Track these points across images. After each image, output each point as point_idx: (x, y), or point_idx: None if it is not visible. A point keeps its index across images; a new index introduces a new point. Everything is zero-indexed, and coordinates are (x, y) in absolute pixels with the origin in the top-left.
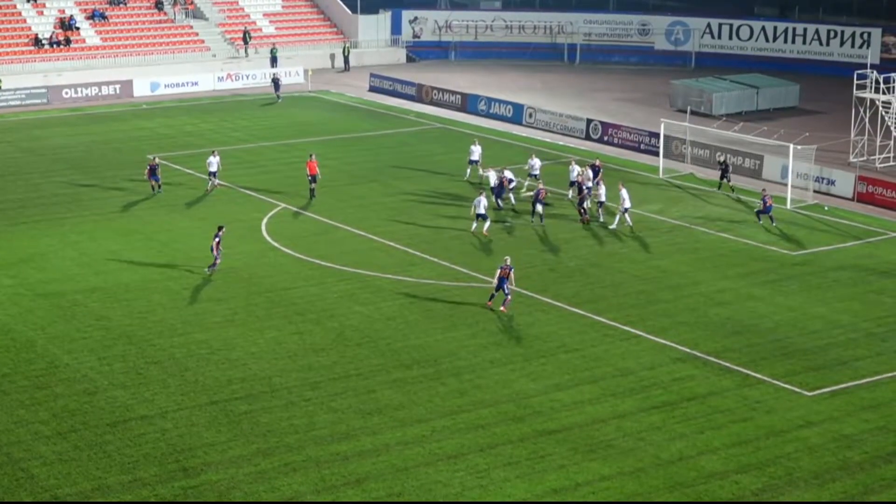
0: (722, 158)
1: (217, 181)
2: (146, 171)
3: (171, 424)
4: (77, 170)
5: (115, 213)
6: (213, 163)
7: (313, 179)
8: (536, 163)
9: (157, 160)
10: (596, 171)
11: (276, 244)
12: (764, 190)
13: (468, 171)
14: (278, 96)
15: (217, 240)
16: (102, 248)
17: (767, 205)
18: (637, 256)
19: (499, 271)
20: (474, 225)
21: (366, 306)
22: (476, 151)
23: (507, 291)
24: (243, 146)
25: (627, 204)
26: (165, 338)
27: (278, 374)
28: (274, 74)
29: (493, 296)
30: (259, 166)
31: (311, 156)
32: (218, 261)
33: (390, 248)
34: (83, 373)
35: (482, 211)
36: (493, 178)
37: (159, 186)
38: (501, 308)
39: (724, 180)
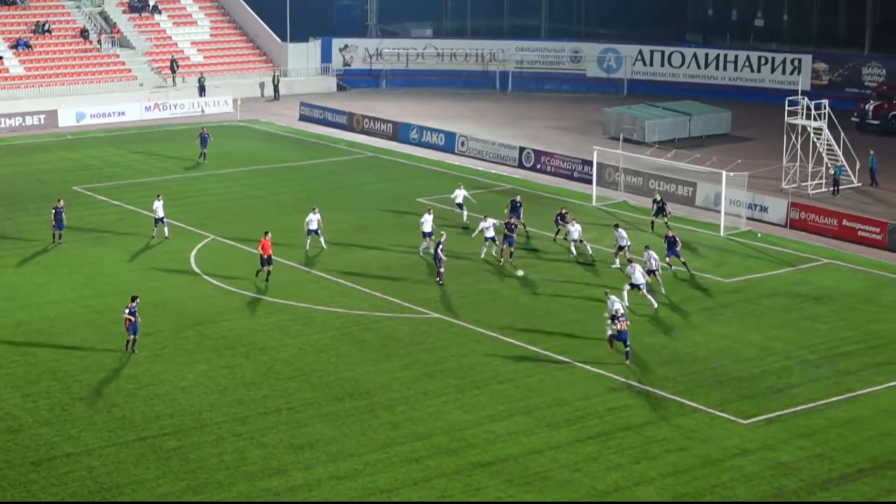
0: (658, 197)
1: (166, 230)
2: (52, 215)
3: (98, 462)
4: (0, 202)
5: (39, 245)
6: (159, 208)
7: (268, 261)
8: (461, 193)
9: (62, 203)
10: (516, 206)
11: (205, 276)
12: (666, 218)
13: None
14: (203, 155)
15: (128, 311)
16: (27, 281)
17: (673, 246)
18: (571, 285)
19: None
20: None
21: (297, 339)
22: (460, 195)
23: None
24: (171, 177)
25: (623, 242)
26: (92, 373)
27: (208, 409)
28: (202, 130)
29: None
30: (187, 197)
31: (266, 234)
32: (133, 336)
33: (321, 279)
34: (6, 410)
35: (492, 234)
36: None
37: (60, 236)
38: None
39: (662, 216)
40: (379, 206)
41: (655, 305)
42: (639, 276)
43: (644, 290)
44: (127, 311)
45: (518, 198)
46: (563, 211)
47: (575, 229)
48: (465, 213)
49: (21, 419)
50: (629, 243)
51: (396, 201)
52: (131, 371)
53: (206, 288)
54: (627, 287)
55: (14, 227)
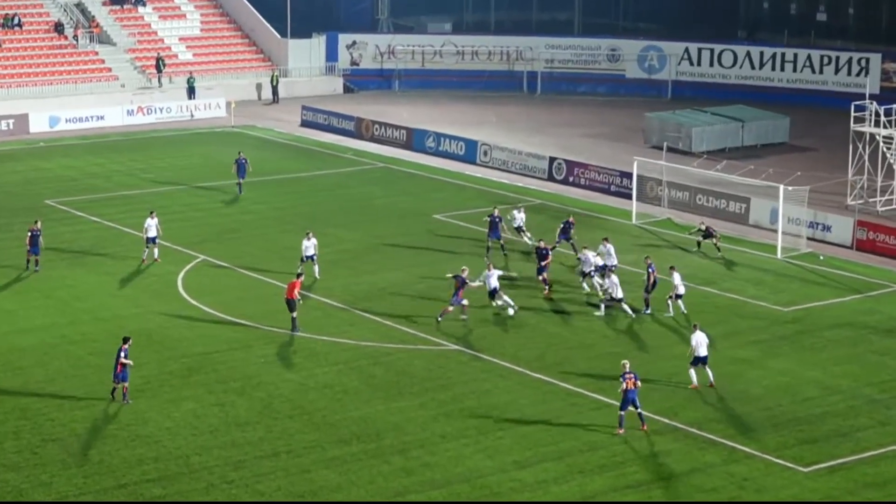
0: (704, 226)
1: (156, 252)
2: (27, 239)
3: None
4: None
5: (8, 267)
6: (151, 226)
7: (291, 306)
8: (521, 216)
9: (39, 225)
10: (567, 228)
11: (193, 302)
12: (648, 257)
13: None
14: (239, 185)
15: (122, 355)
16: None
17: (651, 282)
18: (611, 313)
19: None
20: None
21: (298, 373)
22: (519, 217)
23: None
24: (156, 189)
25: (681, 290)
26: (66, 411)
27: (197, 453)
28: (240, 156)
29: None
30: (174, 213)
31: (298, 275)
32: (122, 384)
33: (326, 306)
34: None
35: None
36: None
37: (36, 262)
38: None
39: (711, 240)
40: (390, 223)
41: (633, 316)
42: (619, 291)
43: (624, 304)
44: (122, 354)
45: (571, 218)
46: (571, 220)
47: (520, 217)
48: (527, 236)
49: None
50: (615, 263)
51: (410, 218)
52: (111, 409)
53: (195, 315)
54: (669, 297)
55: None
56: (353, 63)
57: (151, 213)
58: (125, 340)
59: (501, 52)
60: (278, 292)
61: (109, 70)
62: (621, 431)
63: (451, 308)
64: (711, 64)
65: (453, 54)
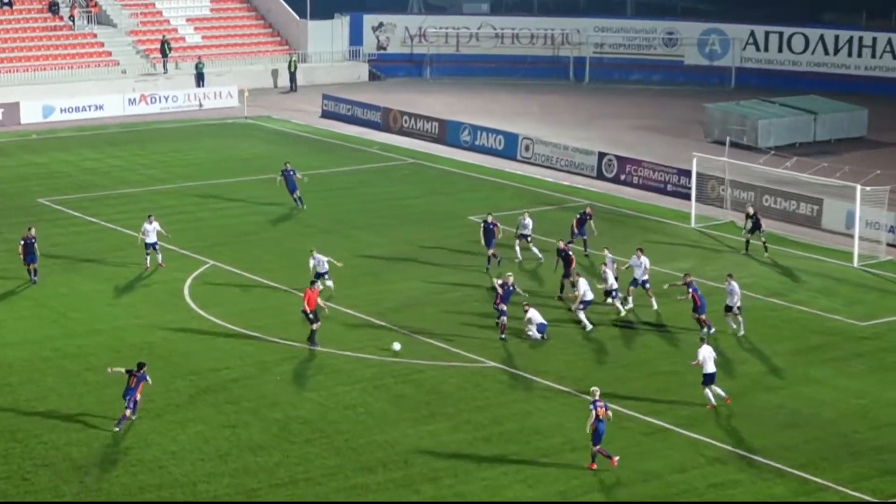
0: (751, 211)
1: (160, 257)
2: (20, 248)
3: None
4: None
5: None
6: (150, 231)
7: (314, 317)
8: (529, 222)
9: (33, 231)
10: (583, 220)
11: (202, 312)
12: (687, 274)
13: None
14: (298, 199)
15: (135, 380)
16: None
17: (697, 303)
18: (665, 328)
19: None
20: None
21: (317, 392)
22: (528, 225)
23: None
24: (160, 187)
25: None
26: (59, 433)
27: (205, 480)
28: (286, 166)
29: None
30: (181, 213)
31: (312, 284)
32: (132, 415)
33: (348, 318)
34: None
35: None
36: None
37: (35, 272)
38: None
39: (757, 232)
40: (421, 226)
41: (623, 312)
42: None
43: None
44: (135, 379)
45: (588, 209)
46: (588, 212)
47: (527, 225)
48: (536, 249)
49: None
50: (646, 278)
51: (442, 220)
52: (109, 431)
53: (203, 327)
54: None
55: None
56: (380, 47)
57: (149, 216)
58: (139, 367)
59: (545, 35)
60: (295, 302)
61: (109, 54)
62: (616, 461)
63: (505, 319)
64: (780, 49)
65: (491, 38)
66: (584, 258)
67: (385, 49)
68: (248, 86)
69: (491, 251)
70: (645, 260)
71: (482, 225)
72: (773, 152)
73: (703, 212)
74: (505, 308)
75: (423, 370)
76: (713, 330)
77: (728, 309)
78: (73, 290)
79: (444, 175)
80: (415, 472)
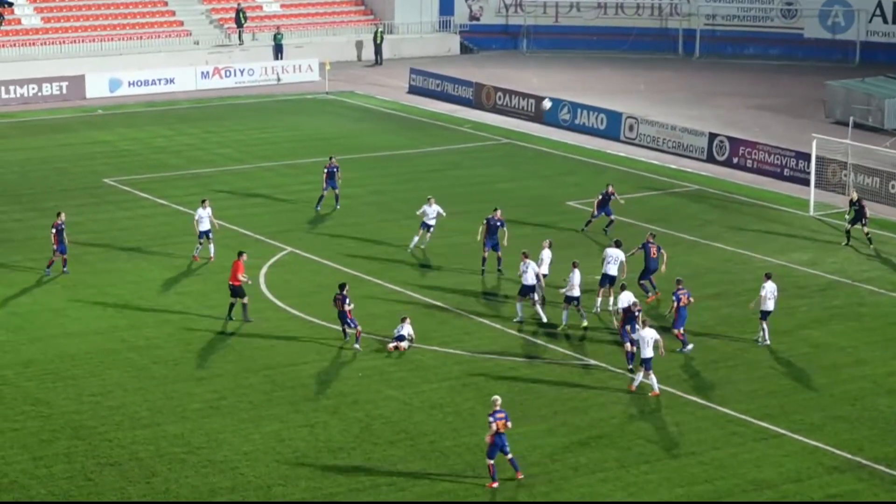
0: (855, 197)
1: (212, 249)
2: (52, 234)
3: None
4: (6, 199)
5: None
6: (204, 218)
7: (235, 291)
8: (433, 210)
9: (63, 218)
10: (606, 200)
11: (278, 303)
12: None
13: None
14: (336, 197)
15: (347, 301)
16: (40, 305)
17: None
18: (778, 325)
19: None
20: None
21: (401, 390)
22: (432, 212)
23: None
24: (235, 168)
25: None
26: (125, 430)
27: (280, 483)
28: (331, 162)
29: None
30: (256, 196)
31: (240, 254)
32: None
33: (435, 310)
34: (13, 478)
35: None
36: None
37: (64, 262)
38: None
39: (860, 224)
40: (516, 210)
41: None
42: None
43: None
44: (346, 301)
45: (610, 188)
46: (610, 191)
47: (544, 258)
48: (427, 236)
49: (31, 490)
50: (616, 308)
51: (540, 205)
52: (178, 429)
53: (279, 318)
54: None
55: (24, 232)
56: (473, 18)
57: (203, 201)
58: (342, 288)
59: (652, 5)
60: (378, 292)
61: (181, 24)
62: (495, 485)
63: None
64: None
65: (593, 8)
66: (605, 237)
67: (478, 19)
68: (329, 59)
69: (489, 250)
70: (532, 265)
71: (485, 222)
72: None
73: (823, 199)
74: (631, 335)
75: (515, 367)
76: (689, 347)
77: (765, 316)
78: (140, 277)
79: (541, 156)
80: (507, 478)
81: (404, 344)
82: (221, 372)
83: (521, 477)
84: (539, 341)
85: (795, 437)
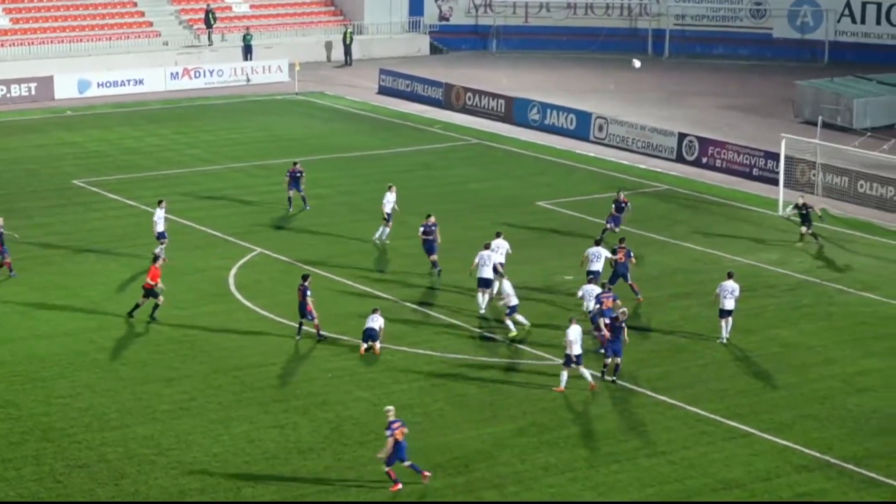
0: (801, 201)
1: (163, 253)
2: None
3: None
4: None
5: (28, 259)
6: (160, 219)
7: (149, 292)
8: (392, 197)
9: (1, 222)
10: (620, 209)
11: (247, 303)
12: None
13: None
14: (303, 199)
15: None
16: (9, 307)
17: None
18: (748, 324)
19: None
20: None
21: (371, 390)
22: (390, 201)
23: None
24: (204, 168)
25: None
26: (94, 432)
27: (250, 484)
28: (294, 166)
29: None
30: (225, 196)
31: (155, 260)
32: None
33: (406, 310)
34: None
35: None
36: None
37: (10, 267)
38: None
39: (805, 228)
40: (485, 212)
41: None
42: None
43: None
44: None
45: (622, 195)
46: (622, 198)
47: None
48: (387, 230)
49: None
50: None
51: (510, 205)
52: (147, 431)
53: (248, 319)
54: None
55: None
56: (443, 18)
57: (160, 202)
58: (304, 279)
59: (621, 5)
60: (347, 293)
61: (150, 25)
62: (399, 486)
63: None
64: (878, 21)
65: (563, 8)
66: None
67: (448, 20)
68: (299, 59)
69: (433, 257)
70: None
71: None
72: (869, 134)
73: (791, 198)
74: (609, 346)
75: (486, 367)
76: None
77: (727, 314)
78: (109, 278)
79: (511, 157)
80: (476, 478)
81: (378, 345)
82: (191, 373)
83: (427, 474)
84: (507, 341)
85: (765, 436)
